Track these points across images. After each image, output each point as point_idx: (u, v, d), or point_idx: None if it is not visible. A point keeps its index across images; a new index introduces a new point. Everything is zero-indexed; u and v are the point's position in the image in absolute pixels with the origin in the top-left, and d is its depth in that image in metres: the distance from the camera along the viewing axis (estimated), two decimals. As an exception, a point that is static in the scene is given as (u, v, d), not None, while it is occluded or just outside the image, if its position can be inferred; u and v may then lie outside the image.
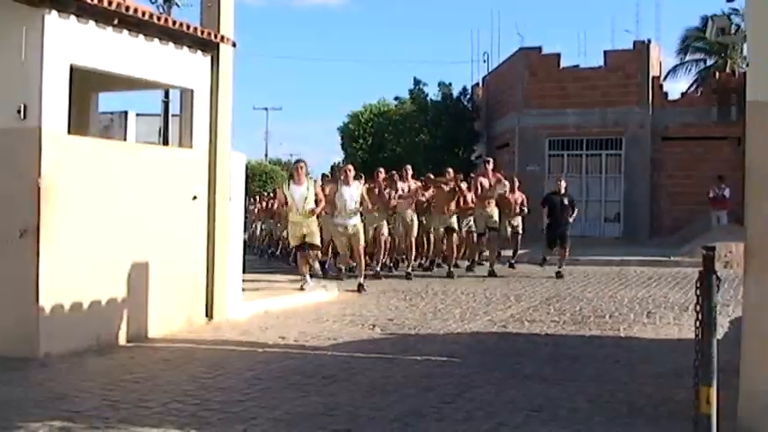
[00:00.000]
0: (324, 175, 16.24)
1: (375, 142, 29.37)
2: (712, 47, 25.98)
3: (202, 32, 8.80)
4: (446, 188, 14.52)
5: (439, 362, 7.14)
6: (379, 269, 14.10)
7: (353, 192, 12.40)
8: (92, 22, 7.49)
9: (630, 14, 43.21)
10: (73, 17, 7.28)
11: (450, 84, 29.12)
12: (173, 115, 21.08)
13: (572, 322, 9.34)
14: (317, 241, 11.78)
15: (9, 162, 7.12)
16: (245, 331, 8.71)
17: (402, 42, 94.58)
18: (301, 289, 11.48)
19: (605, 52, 24.08)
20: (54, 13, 7.09)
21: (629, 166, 23.57)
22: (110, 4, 7.43)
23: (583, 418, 5.22)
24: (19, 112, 7.00)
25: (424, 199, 14.61)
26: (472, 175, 17.09)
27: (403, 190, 14.39)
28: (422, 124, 27.76)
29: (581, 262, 16.14)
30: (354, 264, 12.78)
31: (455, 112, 28.15)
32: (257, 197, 24.24)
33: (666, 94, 23.87)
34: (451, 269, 14.52)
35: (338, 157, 32.16)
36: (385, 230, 14.14)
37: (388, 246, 14.67)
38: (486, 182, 14.76)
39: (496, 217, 14.90)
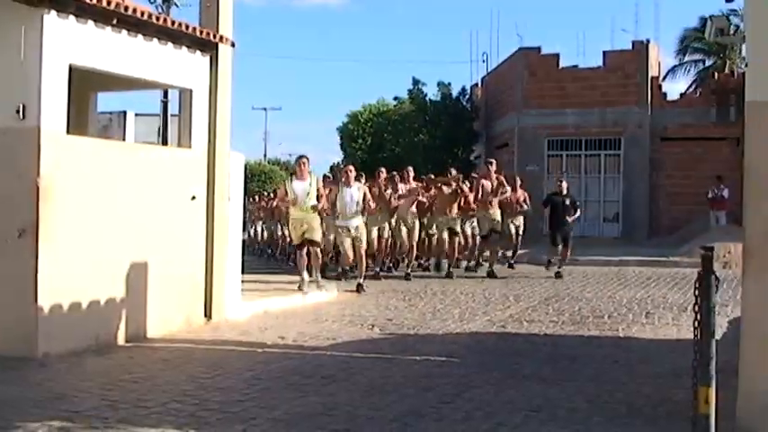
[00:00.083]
0: (325, 176, 16.14)
1: (374, 142, 29.38)
2: (711, 47, 25.99)
3: (201, 32, 8.80)
4: (448, 189, 14.45)
5: (438, 362, 7.14)
6: (378, 270, 14.08)
7: (354, 193, 12.31)
8: (91, 22, 7.48)
9: (629, 15, 43.37)
10: (72, 17, 7.27)
11: (449, 84, 29.18)
12: (172, 115, 21.09)
13: (571, 322, 9.34)
14: (318, 238, 11.60)
15: (8, 162, 7.12)
16: (244, 331, 8.70)
17: (401, 42, 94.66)
18: (299, 289, 11.40)
19: (604, 52, 24.11)
20: (53, 12, 7.09)
21: (627, 167, 23.59)
22: (108, 3, 7.42)
23: (581, 418, 5.23)
24: (18, 111, 6.99)
25: (424, 200, 14.54)
26: (474, 174, 17.07)
27: (404, 191, 14.35)
28: (421, 124, 27.77)
29: (580, 262, 16.15)
30: (355, 264, 12.69)
31: (454, 112, 28.17)
32: (257, 197, 24.15)
33: (665, 94, 23.90)
34: (451, 269, 14.49)
35: (337, 157, 32.22)
36: (386, 232, 14.12)
37: (389, 247, 14.63)
38: (488, 184, 14.70)
39: (499, 218, 14.83)
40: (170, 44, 8.47)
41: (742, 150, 5.02)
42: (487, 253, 15.17)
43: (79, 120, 8.76)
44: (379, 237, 14.07)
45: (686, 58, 28.49)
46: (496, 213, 14.76)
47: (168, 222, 8.51)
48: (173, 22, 8.58)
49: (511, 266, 15.63)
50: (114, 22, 7.66)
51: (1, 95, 7.12)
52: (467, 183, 14.94)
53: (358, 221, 12.45)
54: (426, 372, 6.67)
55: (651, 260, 16.76)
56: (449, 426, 5.05)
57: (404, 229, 14.28)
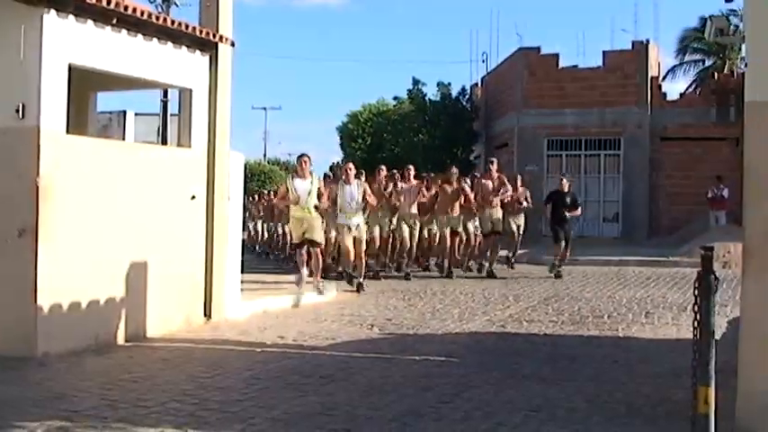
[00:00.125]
0: (325, 175, 16.10)
1: (374, 142, 29.39)
2: (711, 47, 25.98)
3: (201, 32, 8.80)
4: (449, 188, 14.38)
5: (437, 362, 7.14)
6: (379, 269, 14.00)
7: (354, 190, 12.24)
8: (90, 22, 7.48)
9: (629, 15, 43.37)
10: (71, 16, 7.27)
11: (449, 84, 29.18)
12: (171, 115, 21.11)
13: (570, 322, 9.34)
14: (318, 238, 11.43)
15: (7, 162, 7.11)
16: (243, 331, 8.70)
17: (401, 42, 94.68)
18: (296, 284, 11.17)
19: (604, 52, 24.12)
20: (52, 12, 7.09)
21: (627, 167, 23.60)
22: (108, 3, 7.42)
23: (581, 417, 5.23)
24: (17, 111, 6.99)
25: (425, 200, 14.47)
26: (477, 174, 17.04)
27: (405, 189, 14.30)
28: (420, 124, 27.78)
29: (579, 262, 16.14)
30: (355, 265, 12.58)
31: (454, 111, 28.18)
32: (257, 195, 24.08)
33: (665, 94, 23.91)
34: (451, 269, 14.44)
35: (337, 156, 32.20)
36: (385, 231, 14.07)
37: (389, 245, 14.59)
38: (489, 184, 14.68)
39: (500, 217, 14.75)
40: (170, 44, 8.47)
41: (741, 150, 5.02)
42: (488, 253, 15.11)
43: (79, 119, 8.77)
44: (381, 236, 14.04)
45: (686, 58, 28.48)
46: (498, 212, 14.71)
47: (168, 222, 8.51)
48: (172, 22, 8.58)
49: (511, 266, 15.62)
50: (114, 21, 7.66)
51: (0, 95, 7.12)
52: (467, 181, 14.89)
53: (359, 220, 12.38)
54: (425, 371, 6.67)
55: (651, 260, 16.76)
56: (448, 425, 5.05)
57: (405, 228, 14.16)
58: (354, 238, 12.28)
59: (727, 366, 4.72)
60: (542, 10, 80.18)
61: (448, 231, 14.36)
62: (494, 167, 14.96)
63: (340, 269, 13.66)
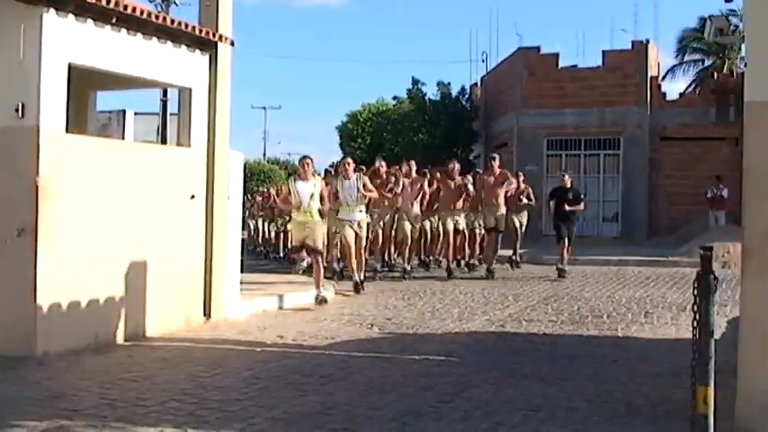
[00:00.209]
0: (326, 171, 16.01)
1: (373, 142, 29.37)
2: (710, 47, 25.99)
3: (201, 31, 8.80)
4: (451, 183, 14.23)
5: (437, 361, 7.14)
6: (379, 267, 13.91)
7: (353, 184, 12.13)
8: (90, 21, 7.48)
9: (629, 15, 43.36)
10: (71, 16, 7.27)
11: (448, 83, 29.18)
12: (171, 114, 21.10)
13: (570, 322, 9.35)
14: (319, 246, 10.91)
15: (7, 161, 7.11)
16: (243, 330, 8.71)
17: (401, 42, 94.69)
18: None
19: (604, 52, 24.11)
20: (52, 11, 7.08)
21: (627, 167, 23.60)
22: (108, 2, 7.42)
23: (580, 417, 5.23)
24: (17, 110, 6.99)
25: (427, 192, 14.34)
26: (479, 170, 16.97)
27: (406, 185, 14.17)
28: (420, 124, 27.78)
29: (579, 262, 16.12)
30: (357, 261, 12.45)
31: (453, 111, 28.17)
32: (258, 195, 23.84)
33: (665, 94, 23.91)
34: (451, 268, 14.35)
35: (337, 156, 32.16)
36: (387, 229, 14.00)
37: (392, 244, 14.51)
38: (490, 180, 14.63)
39: (503, 213, 14.62)
40: (169, 43, 8.46)
41: (741, 150, 5.03)
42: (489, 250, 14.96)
43: (78, 118, 8.77)
44: (383, 233, 13.97)
45: (685, 58, 28.50)
46: (502, 209, 14.54)
47: (167, 221, 8.51)
48: (172, 21, 8.58)
49: (517, 266, 15.51)
50: (114, 20, 7.66)
51: (0, 94, 7.12)
52: (469, 179, 14.82)
53: (360, 215, 12.28)
54: (425, 371, 6.68)
55: (650, 260, 16.76)
56: (448, 425, 5.05)
57: (407, 226, 14.01)
58: (356, 234, 12.16)
59: (726, 366, 4.73)
60: (542, 10, 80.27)
61: (451, 228, 14.23)
62: (496, 164, 14.80)
63: (337, 268, 13.59)
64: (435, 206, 14.63)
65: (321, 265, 10.89)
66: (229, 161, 9.45)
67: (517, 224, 15.43)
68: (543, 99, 24.15)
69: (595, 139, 23.90)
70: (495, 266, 14.61)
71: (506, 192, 14.74)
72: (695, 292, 4.02)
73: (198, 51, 8.90)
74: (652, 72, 23.73)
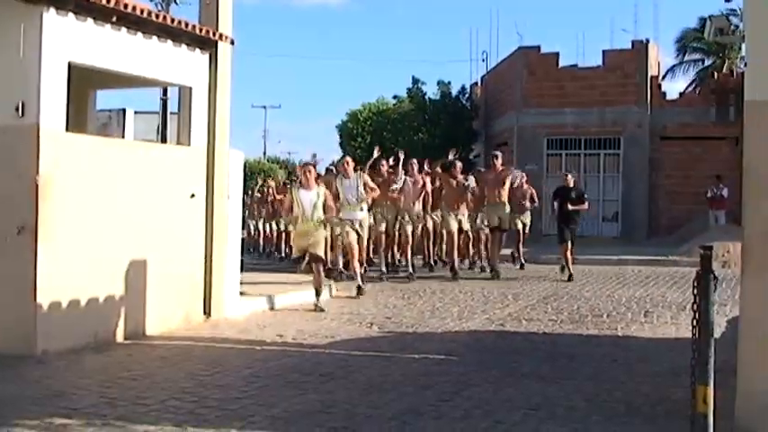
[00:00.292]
0: (328, 170, 15.85)
1: (373, 141, 29.26)
2: (710, 47, 25.98)
3: (201, 30, 8.80)
4: (454, 182, 14.11)
5: (437, 360, 7.14)
6: (384, 269, 13.71)
7: (354, 183, 12.08)
8: (90, 20, 7.48)
9: (629, 14, 43.31)
10: (71, 14, 7.27)
11: (448, 83, 29.12)
12: (171, 113, 21.06)
13: (570, 321, 9.35)
14: (321, 252, 10.53)
15: (7, 160, 7.12)
16: (243, 329, 8.71)
17: (401, 41, 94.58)
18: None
19: (604, 52, 24.09)
20: (52, 10, 7.08)
21: (627, 166, 23.59)
22: (108, 1, 7.42)
23: (580, 416, 5.23)
24: (17, 109, 7.00)
25: (429, 189, 14.21)
26: (481, 169, 16.90)
27: (408, 184, 13.99)
28: (420, 123, 27.75)
29: (579, 261, 16.09)
30: (360, 260, 12.30)
31: (454, 110, 28.15)
32: (260, 193, 23.59)
33: (665, 93, 23.89)
34: (457, 270, 14.04)
35: (337, 155, 32.11)
36: (390, 228, 13.94)
37: (395, 244, 14.44)
38: (492, 177, 14.56)
39: (507, 211, 14.48)
40: (169, 42, 8.47)
41: (741, 150, 5.03)
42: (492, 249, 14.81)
43: (78, 117, 8.77)
44: (386, 233, 13.92)
45: (685, 58, 28.48)
46: (506, 208, 14.36)
47: (167, 220, 8.51)
48: (172, 20, 8.58)
49: (521, 267, 15.45)
50: (114, 19, 7.66)
51: (0, 93, 7.11)
52: (472, 178, 14.76)
53: (362, 215, 12.21)
54: (425, 370, 6.68)
55: (650, 259, 16.77)
56: (447, 424, 5.06)
57: (409, 227, 13.89)
58: (358, 235, 12.07)
59: (726, 366, 4.73)
60: (542, 9, 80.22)
61: (455, 228, 14.09)
62: (498, 161, 14.63)
63: (339, 269, 13.50)
64: (436, 204, 14.55)
65: (321, 273, 10.61)
66: (229, 160, 9.45)
67: (520, 226, 15.36)
68: (543, 98, 24.13)
69: (595, 138, 23.88)
70: (500, 266, 14.50)
71: (512, 184, 14.64)
72: (695, 291, 4.02)
73: (198, 50, 8.90)
74: (652, 72, 23.72)
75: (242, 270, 10.53)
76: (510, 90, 25.64)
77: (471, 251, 15.53)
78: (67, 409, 5.25)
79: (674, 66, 28.49)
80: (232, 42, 9.30)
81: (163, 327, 8.34)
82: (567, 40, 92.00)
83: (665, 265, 16.12)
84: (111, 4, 7.47)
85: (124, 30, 7.86)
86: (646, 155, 23.29)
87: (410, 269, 13.69)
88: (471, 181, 14.55)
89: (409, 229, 13.94)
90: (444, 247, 15.06)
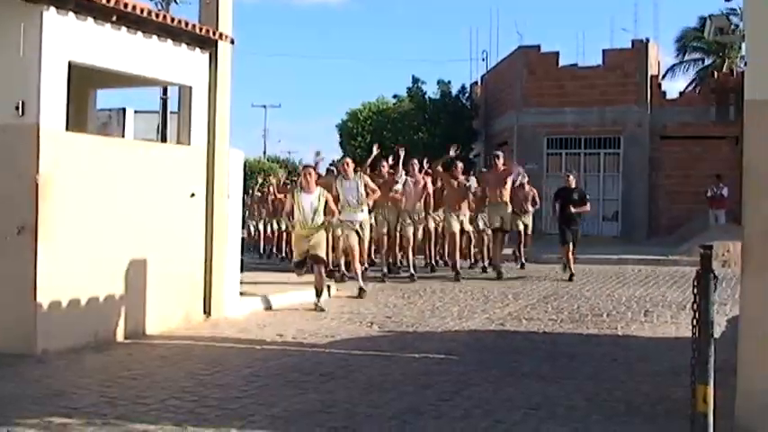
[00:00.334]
0: (328, 170, 15.77)
1: (374, 140, 29.21)
2: (710, 46, 25.99)
3: (201, 29, 8.80)
4: (455, 183, 14.05)
5: (437, 359, 7.14)
6: (386, 270, 13.65)
7: (354, 185, 11.98)
8: (90, 19, 7.48)
9: (629, 14, 43.28)
10: (71, 14, 7.27)
11: (448, 82, 29.11)
12: (171, 112, 21.05)
13: (570, 320, 9.35)
14: (322, 254, 10.50)
15: (7, 159, 7.11)
16: (243, 328, 8.71)
17: (401, 41, 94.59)
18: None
19: (604, 51, 24.08)
20: (52, 9, 7.08)
21: (627, 165, 23.58)
22: (108, 0, 7.42)
23: (580, 416, 5.23)
24: (17, 108, 7.00)
25: (430, 191, 14.15)
26: (483, 169, 16.85)
27: (410, 184, 13.93)
28: (420, 122, 27.74)
29: (579, 260, 16.06)
30: (361, 261, 12.22)
31: (454, 110, 28.14)
32: (262, 191, 23.50)
33: (665, 93, 23.88)
34: (459, 270, 13.94)
35: (337, 155, 32.10)
36: (391, 229, 13.91)
37: (397, 245, 14.41)
38: (492, 177, 14.52)
39: (509, 213, 14.43)
40: (170, 41, 8.46)
41: (741, 149, 5.03)
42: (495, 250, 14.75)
43: (78, 117, 8.77)
44: (388, 234, 13.88)
45: (686, 57, 28.49)
46: (508, 208, 14.30)
47: (167, 219, 8.51)
48: (172, 19, 8.58)
49: (522, 266, 15.41)
50: (114, 18, 7.66)
51: (0, 92, 7.11)
52: (473, 179, 14.72)
53: (363, 216, 12.14)
54: (425, 369, 6.68)
55: (650, 259, 16.76)
56: (447, 423, 5.06)
57: (410, 228, 13.81)
58: (359, 237, 11.99)
59: (726, 365, 4.73)
60: (542, 9, 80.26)
61: (457, 229, 14.04)
62: (500, 161, 14.56)
63: (342, 270, 13.42)
64: (438, 204, 14.49)
65: (323, 274, 10.55)
66: (229, 159, 9.45)
67: (521, 227, 15.29)
68: (543, 98, 24.12)
69: (595, 137, 23.88)
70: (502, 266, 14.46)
71: (514, 182, 14.58)
72: (695, 290, 4.02)
73: (198, 50, 8.90)
74: (652, 71, 23.71)
75: (242, 270, 10.53)
76: (510, 89, 25.64)
77: (473, 251, 15.49)
78: (67, 408, 5.25)
79: (674, 65, 28.52)
80: (232, 42, 9.30)
81: (163, 326, 8.34)
82: (567, 40, 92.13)
83: (665, 264, 16.12)
84: (112, 4, 7.47)
85: (124, 29, 7.85)
86: (646, 154, 23.28)
87: (411, 270, 13.60)
88: (473, 181, 14.53)
89: (410, 230, 13.86)
90: (447, 247, 15.01)
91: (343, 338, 8.18)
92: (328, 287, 11.10)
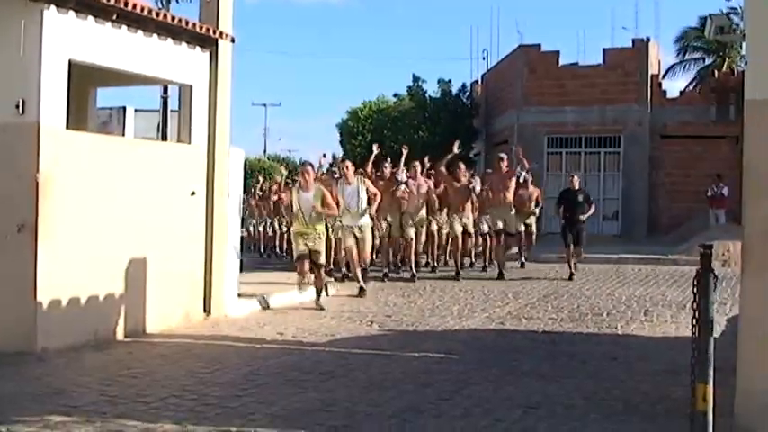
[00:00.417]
0: (330, 170, 15.69)
1: (374, 139, 29.22)
2: (711, 46, 25.97)
3: (201, 28, 8.80)
4: (457, 185, 13.98)
5: (437, 358, 7.15)
6: (387, 270, 13.61)
7: (356, 189, 11.74)
8: (90, 18, 7.48)
9: (630, 13, 43.26)
10: (72, 12, 7.27)
11: (449, 81, 29.11)
12: (171, 111, 21.05)
13: (569, 319, 9.35)
14: (321, 260, 10.49)
15: (7, 158, 7.12)
16: (242, 327, 8.72)
17: (402, 39, 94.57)
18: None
19: (604, 50, 24.08)
20: (53, 7, 7.08)
21: (627, 165, 23.58)
22: (109, -1, 7.42)
23: (579, 414, 5.24)
24: (17, 107, 7.00)
25: (435, 197, 14.08)
26: (489, 170, 16.82)
27: (412, 186, 13.82)
28: (421, 121, 27.74)
29: (579, 260, 16.09)
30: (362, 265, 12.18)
31: (454, 109, 28.15)
32: (261, 192, 23.47)
33: (665, 92, 23.89)
34: (460, 269, 13.95)
35: (338, 154, 32.09)
36: (394, 230, 13.88)
37: (396, 250, 14.38)
38: (496, 178, 14.48)
39: (513, 215, 14.36)
40: (170, 40, 8.47)
41: (741, 149, 5.03)
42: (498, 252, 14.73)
43: (79, 115, 8.77)
44: (389, 235, 13.85)
45: (686, 57, 28.46)
46: (510, 209, 14.24)
47: (168, 218, 8.51)
48: (173, 18, 8.58)
49: (522, 266, 15.39)
50: (114, 17, 7.67)
51: (0, 91, 7.12)
52: (477, 179, 14.69)
53: (364, 220, 11.92)
54: (425, 368, 6.68)
55: (650, 258, 16.75)
56: (447, 422, 5.06)
57: (411, 229, 13.70)
58: (357, 239, 11.85)
59: (726, 364, 4.72)
60: (543, 8, 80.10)
61: (460, 232, 13.98)
62: (504, 164, 14.52)
63: (343, 271, 13.42)
64: (441, 207, 14.45)
65: (322, 272, 10.58)
66: (230, 158, 9.45)
67: (522, 228, 15.22)
68: (544, 97, 24.12)
69: (596, 136, 23.87)
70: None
71: (517, 178, 14.50)
72: (695, 290, 4.02)
73: (198, 48, 8.90)
74: (653, 70, 23.71)
75: (242, 269, 10.53)
76: (510, 88, 25.63)
77: (474, 251, 15.46)
78: (67, 406, 5.25)
79: (674, 64, 28.48)
80: (232, 40, 9.30)
81: (163, 325, 8.34)
82: (568, 39, 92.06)
83: (664, 263, 16.12)
84: (112, 2, 7.47)
85: (125, 28, 7.86)
86: (646, 153, 23.29)
87: (413, 271, 13.60)
88: (477, 182, 14.49)
89: (411, 231, 13.80)
90: (449, 248, 14.97)
91: (343, 337, 8.18)
92: (326, 286, 11.09)
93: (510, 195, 14.25)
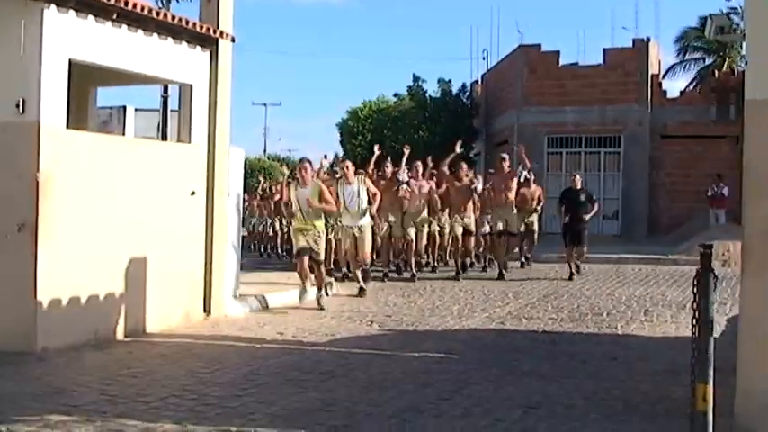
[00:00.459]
0: (331, 170, 15.62)
1: (374, 139, 29.26)
2: (711, 46, 25.97)
3: (201, 28, 8.80)
4: (459, 185, 13.95)
5: (437, 358, 7.15)
6: (387, 270, 13.60)
7: (355, 189, 11.61)
8: (91, 17, 7.48)
9: (630, 13, 43.22)
10: (72, 11, 7.27)
11: (449, 81, 29.12)
12: (171, 110, 21.05)
13: (570, 319, 9.35)
14: (321, 258, 10.47)
15: (7, 157, 7.11)
16: (242, 327, 8.72)
17: (402, 39, 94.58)
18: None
19: (604, 50, 24.09)
20: (53, 7, 7.08)
21: (627, 164, 23.59)
22: (109, -2, 7.42)
23: (579, 414, 5.24)
24: (18, 106, 7.00)
25: (436, 197, 14.01)
26: (491, 171, 16.81)
27: (414, 187, 13.78)
28: (421, 121, 27.75)
29: (582, 260, 16.07)
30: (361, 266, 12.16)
31: (454, 109, 28.16)
32: (261, 193, 23.47)
33: (665, 92, 23.90)
34: (460, 269, 13.97)
35: (339, 154, 32.08)
36: (395, 231, 13.86)
37: (397, 251, 14.35)
38: (498, 179, 14.47)
39: (515, 216, 14.33)
40: (170, 39, 8.46)
41: (741, 149, 5.03)
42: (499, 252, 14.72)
43: (79, 115, 8.77)
44: (390, 235, 13.83)
45: (686, 57, 28.46)
46: (512, 209, 14.21)
47: (168, 218, 8.51)
48: (173, 17, 8.58)
49: (522, 266, 15.35)
50: (114, 16, 7.67)
51: (0, 90, 7.11)
52: (479, 178, 14.65)
53: (365, 221, 11.82)
54: (425, 368, 6.68)
55: (650, 258, 16.76)
56: (447, 422, 5.06)
57: (411, 230, 13.68)
58: (357, 239, 11.76)
59: (726, 364, 4.72)
60: (543, 8, 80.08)
61: (460, 232, 13.95)
62: (506, 164, 14.47)
63: (344, 271, 13.43)
64: (444, 207, 14.43)
65: (323, 272, 10.56)
66: (230, 158, 9.45)
67: (522, 227, 15.19)
68: (544, 97, 24.13)
69: (596, 136, 23.88)
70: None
71: (519, 176, 14.47)
72: (695, 289, 4.02)
73: (199, 48, 8.90)
74: (653, 70, 23.72)
75: (242, 269, 10.53)
76: (510, 88, 25.64)
77: (474, 251, 15.45)
78: (67, 406, 5.25)
79: (674, 64, 28.48)
80: (233, 40, 9.30)
81: (163, 324, 8.34)
82: (568, 39, 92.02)
83: (664, 263, 16.12)
84: (112, 2, 7.47)
85: (125, 27, 7.85)
86: (646, 153, 23.30)
87: (413, 271, 13.59)
88: (478, 182, 14.46)
89: (412, 231, 13.77)
90: (449, 249, 14.96)
91: (343, 337, 8.18)
92: (326, 286, 11.09)
93: (512, 195, 14.20)
